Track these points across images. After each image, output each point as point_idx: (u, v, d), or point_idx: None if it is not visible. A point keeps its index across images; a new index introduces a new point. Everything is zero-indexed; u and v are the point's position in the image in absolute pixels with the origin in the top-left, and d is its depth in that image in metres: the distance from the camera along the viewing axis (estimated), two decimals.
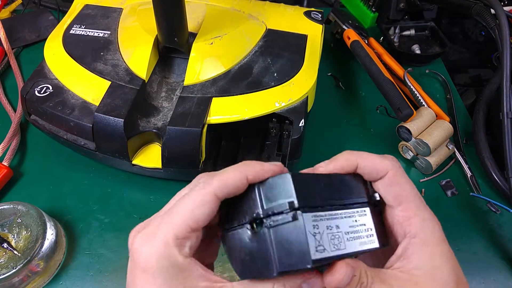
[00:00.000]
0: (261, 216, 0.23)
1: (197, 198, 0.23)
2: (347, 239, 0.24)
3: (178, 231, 0.22)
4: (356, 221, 0.24)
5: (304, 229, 0.22)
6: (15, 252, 0.36)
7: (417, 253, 0.24)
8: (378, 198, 0.26)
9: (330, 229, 0.23)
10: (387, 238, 0.26)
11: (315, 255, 0.21)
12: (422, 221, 0.25)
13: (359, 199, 0.25)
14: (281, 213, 0.22)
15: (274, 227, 0.22)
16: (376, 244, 0.24)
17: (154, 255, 0.22)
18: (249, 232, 0.23)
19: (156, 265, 0.22)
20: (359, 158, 0.26)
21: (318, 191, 0.24)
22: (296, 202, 0.22)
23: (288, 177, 0.23)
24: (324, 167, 0.27)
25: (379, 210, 0.26)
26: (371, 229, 0.24)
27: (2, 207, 0.39)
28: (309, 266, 0.21)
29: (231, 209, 0.25)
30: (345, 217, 0.24)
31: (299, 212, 0.22)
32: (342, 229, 0.24)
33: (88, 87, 0.43)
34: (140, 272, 0.22)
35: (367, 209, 0.25)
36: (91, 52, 0.45)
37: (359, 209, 0.25)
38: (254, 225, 0.24)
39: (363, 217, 0.25)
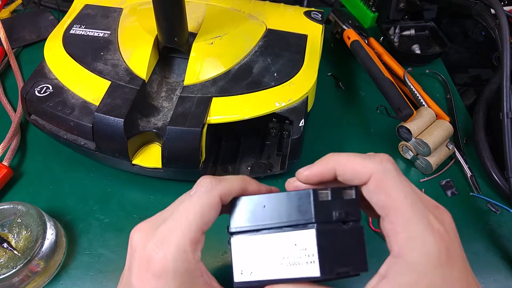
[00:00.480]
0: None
1: (207, 201, 0.23)
2: (281, 263, 0.21)
3: (193, 236, 0.22)
4: (295, 244, 0.21)
5: (230, 253, 0.23)
6: (15, 252, 0.36)
7: (400, 277, 0.20)
8: (343, 215, 0.21)
9: (263, 253, 0.22)
10: (362, 264, 0.21)
11: (238, 278, 0.22)
12: (409, 239, 0.20)
13: (304, 220, 0.21)
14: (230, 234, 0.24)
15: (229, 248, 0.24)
16: (316, 273, 0.20)
17: (170, 260, 0.21)
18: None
19: (172, 271, 0.21)
20: (336, 163, 0.23)
21: (258, 214, 0.22)
22: (230, 227, 0.23)
23: (234, 200, 0.24)
24: (302, 173, 0.24)
25: (351, 228, 0.22)
26: (313, 255, 0.21)
27: (2, 207, 0.39)
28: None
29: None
30: (283, 239, 0.22)
31: (231, 236, 0.23)
32: (277, 253, 0.22)
33: (88, 87, 0.43)
34: (152, 277, 0.21)
35: (312, 231, 0.21)
36: (91, 52, 0.45)
37: (302, 231, 0.21)
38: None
39: (305, 240, 0.21)
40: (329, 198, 0.21)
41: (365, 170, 0.22)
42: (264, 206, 0.23)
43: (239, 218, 0.23)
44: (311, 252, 0.21)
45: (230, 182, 0.24)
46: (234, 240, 0.23)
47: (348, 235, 0.21)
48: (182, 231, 0.22)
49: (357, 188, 0.22)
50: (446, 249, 0.20)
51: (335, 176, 0.23)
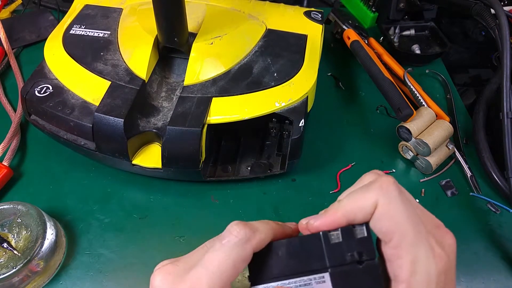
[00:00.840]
0: None
1: (241, 253, 0.22)
2: None
3: (222, 285, 0.22)
4: None
5: None
6: (15, 252, 0.36)
7: None
8: (357, 256, 0.21)
9: None
10: None
11: None
12: (412, 263, 0.21)
13: (317, 265, 0.21)
14: None
15: None
16: None
17: None
18: None
19: None
20: (345, 212, 0.22)
21: (276, 261, 0.22)
22: (248, 276, 0.23)
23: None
24: (312, 224, 0.24)
25: (365, 267, 0.21)
26: None
27: (2, 207, 0.39)
28: None
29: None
30: (300, 285, 0.22)
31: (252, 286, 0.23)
32: None
33: (88, 87, 0.43)
34: None
35: (326, 275, 0.21)
36: (91, 52, 0.45)
37: (316, 275, 0.21)
38: None
39: (321, 285, 0.21)
40: (341, 239, 0.21)
41: (369, 203, 0.22)
42: (280, 255, 0.23)
43: (256, 271, 0.23)
44: None
45: (264, 234, 0.23)
46: None
47: (363, 275, 0.21)
48: (215, 280, 0.21)
49: (367, 225, 0.22)
50: (445, 274, 0.21)
51: (346, 223, 0.23)
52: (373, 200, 0.22)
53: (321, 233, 0.21)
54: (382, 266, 0.22)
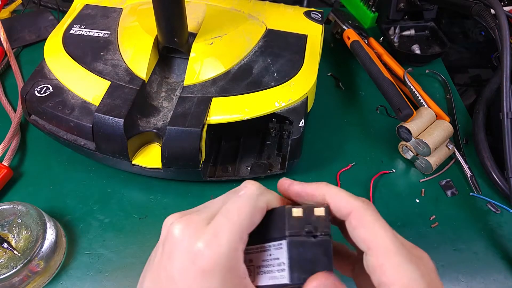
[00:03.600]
0: None
1: (257, 203, 0.23)
2: (258, 272, 0.24)
3: (244, 235, 0.22)
4: (270, 255, 0.24)
5: None
6: (15, 252, 0.36)
7: None
8: (312, 230, 0.23)
9: (248, 264, 0.24)
10: (330, 267, 0.23)
11: None
12: (397, 266, 0.22)
13: (279, 233, 0.23)
14: None
15: None
16: (285, 280, 0.22)
17: (221, 256, 0.21)
18: None
19: (221, 268, 0.21)
20: (326, 193, 0.25)
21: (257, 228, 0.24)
22: None
23: None
24: (293, 187, 0.26)
25: (319, 241, 0.23)
26: (283, 263, 0.23)
27: (2, 207, 0.39)
28: None
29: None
30: (261, 251, 0.24)
31: None
32: (255, 263, 0.24)
33: (88, 87, 0.43)
34: (200, 272, 0.21)
35: (284, 242, 0.23)
36: (91, 52, 0.45)
37: (275, 243, 0.23)
38: None
39: (278, 251, 0.23)
40: (301, 214, 0.23)
41: (347, 206, 0.24)
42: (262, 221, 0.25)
43: None
44: (282, 261, 0.23)
45: (275, 195, 0.25)
46: None
47: (315, 247, 0.23)
48: (235, 228, 0.22)
49: (327, 207, 0.24)
50: (428, 281, 0.22)
51: (322, 202, 0.25)
52: (350, 206, 0.24)
53: (285, 207, 0.24)
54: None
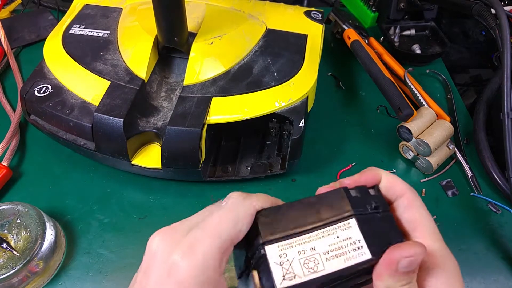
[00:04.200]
0: (249, 257, 0.24)
1: (242, 209, 0.23)
2: (326, 259, 0.22)
3: (222, 245, 0.22)
4: (338, 237, 0.23)
5: (267, 262, 0.22)
6: (15, 252, 0.36)
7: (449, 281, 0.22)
8: (374, 207, 0.24)
9: (304, 254, 0.22)
10: (400, 240, 0.23)
11: (282, 284, 0.21)
12: (440, 250, 0.23)
13: (341, 214, 0.23)
14: (255, 252, 0.23)
15: (254, 267, 0.23)
16: (367, 256, 0.22)
17: (196, 268, 0.21)
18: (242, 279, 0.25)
19: (194, 280, 0.21)
20: (384, 176, 0.26)
21: (286, 221, 0.23)
22: (260, 240, 0.23)
23: (257, 217, 0.24)
24: (349, 180, 0.26)
25: (383, 216, 0.24)
26: (359, 241, 0.22)
27: (1, 207, 0.38)
28: None
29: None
30: (322, 236, 0.23)
31: (262, 247, 0.23)
32: (319, 250, 0.23)
33: (87, 87, 0.43)
34: (174, 284, 0.21)
35: (352, 220, 0.23)
36: (90, 52, 0.45)
37: (341, 224, 0.23)
38: (246, 267, 0.24)
39: (347, 231, 0.23)
40: (358, 194, 0.24)
41: (402, 186, 0.25)
42: (291, 211, 0.24)
43: (268, 228, 0.24)
44: (357, 239, 0.23)
45: (263, 196, 0.24)
46: (269, 249, 0.23)
47: (382, 221, 0.23)
48: (213, 240, 0.22)
49: (378, 186, 0.25)
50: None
51: (377, 182, 0.26)
52: (405, 187, 0.25)
53: (341, 187, 0.24)
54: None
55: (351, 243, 0.22)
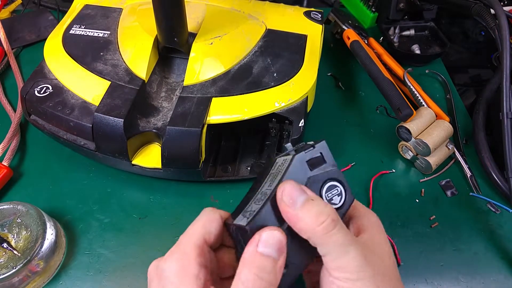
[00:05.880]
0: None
1: (208, 217, 0.28)
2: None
3: (195, 241, 0.26)
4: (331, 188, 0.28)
5: (238, 231, 0.27)
6: (15, 252, 0.36)
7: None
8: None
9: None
10: None
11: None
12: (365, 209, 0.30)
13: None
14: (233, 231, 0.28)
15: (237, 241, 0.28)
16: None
17: (176, 262, 0.25)
18: None
19: (177, 272, 0.25)
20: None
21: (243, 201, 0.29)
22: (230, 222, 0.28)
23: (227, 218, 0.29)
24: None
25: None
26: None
27: (2, 207, 0.39)
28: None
29: None
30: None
31: (233, 225, 0.28)
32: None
33: (88, 87, 0.43)
34: (169, 284, 0.25)
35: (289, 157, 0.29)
36: (91, 52, 0.45)
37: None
38: None
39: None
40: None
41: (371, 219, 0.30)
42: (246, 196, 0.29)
43: (235, 214, 0.28)
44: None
45: (224, 212, 0.29)
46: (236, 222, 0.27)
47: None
48: (188, 238, 0.27)
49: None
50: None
51: None
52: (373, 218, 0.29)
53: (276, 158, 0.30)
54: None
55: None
